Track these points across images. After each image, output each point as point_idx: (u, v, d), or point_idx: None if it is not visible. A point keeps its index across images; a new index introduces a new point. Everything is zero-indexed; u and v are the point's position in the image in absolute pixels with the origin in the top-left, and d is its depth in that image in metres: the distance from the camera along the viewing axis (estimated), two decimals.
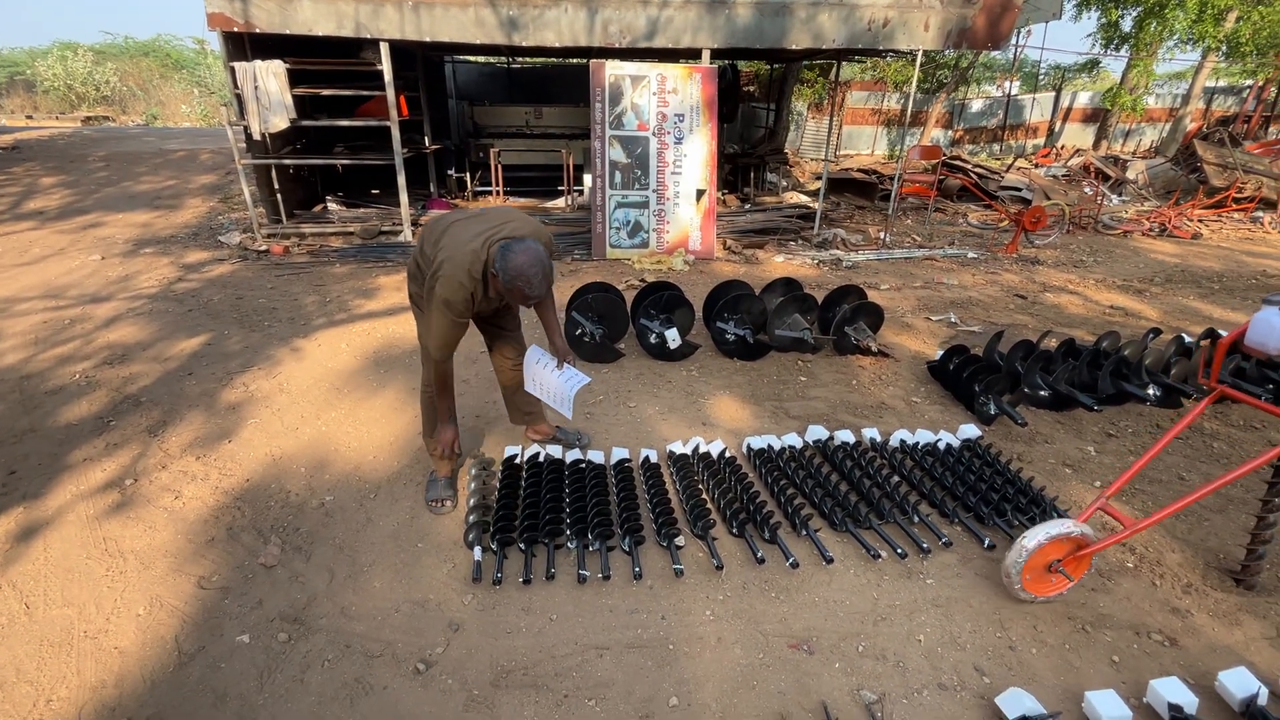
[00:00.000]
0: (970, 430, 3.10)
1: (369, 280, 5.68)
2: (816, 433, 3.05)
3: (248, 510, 2.54)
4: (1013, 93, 18.41)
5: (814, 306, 4.29)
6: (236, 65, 6.11)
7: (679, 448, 2.92)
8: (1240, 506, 2.64)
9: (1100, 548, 2.05)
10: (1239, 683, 1.71)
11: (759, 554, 2.25)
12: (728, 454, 2.87)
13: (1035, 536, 2.02)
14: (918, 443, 3.01)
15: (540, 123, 9.98)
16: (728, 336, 4.00)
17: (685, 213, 6.65)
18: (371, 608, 2.07)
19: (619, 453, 2.85)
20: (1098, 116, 17.70)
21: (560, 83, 11.16)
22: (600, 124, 6.30)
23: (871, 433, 3.10)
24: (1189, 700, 1.67)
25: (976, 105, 18.65)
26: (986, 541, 2.37)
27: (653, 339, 3.94)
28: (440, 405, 2.38)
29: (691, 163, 6.53)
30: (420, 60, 8.73)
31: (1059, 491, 2.77)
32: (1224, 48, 13.43)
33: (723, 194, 10.15)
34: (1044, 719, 1.60)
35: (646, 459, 2.82)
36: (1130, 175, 11.27)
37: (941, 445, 2.98)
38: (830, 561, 2.25)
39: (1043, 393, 3.44)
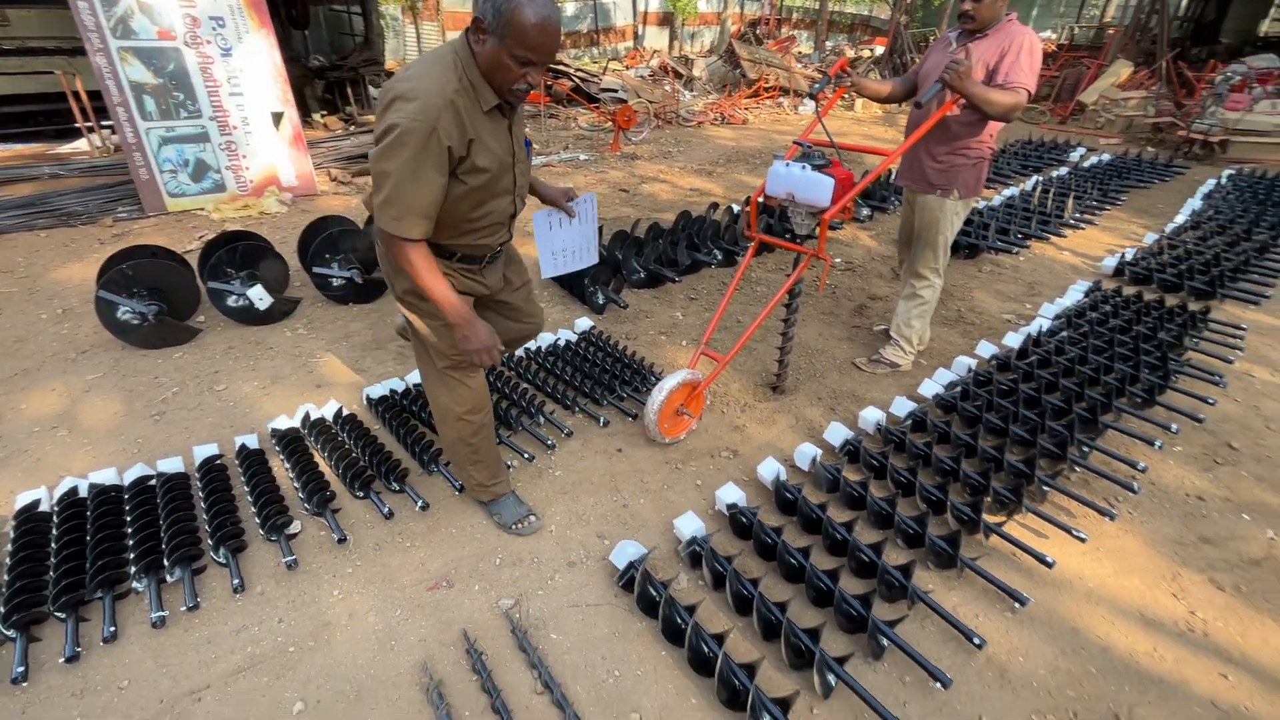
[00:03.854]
0: (584, 323, 3.36)
1: None
2: None
3: None
4: None
5: None
6: None
7: (284, 423, 2.52)
8: (774, 333, 3.43)
9: (708, 383, 2.51)
10: (769, 469, 2.25)
11: (385, 509, 2.11)
12: (344, 413, 2.59)
13: (661, 390, 2.34)
14: (539, 346, 3.14)
15: (10, 33, 7.08)
16: (332, 281, 3.54)
17: (264, 142, 5.56)
18: None
19: (204, 451, 2.33)
20: (668, 20, 20.13)
21: None
22: (96, 32, 4.69)
23: None
24: (739, 496, 2.14)
25: (570, 9, 19.42)
26: (601, 420, 2.64)
27: (232, 302, 3.27)
28: (440, 295, 1.62)
29: (254, 79, 5.38)
30: None
31: (659, 356, 3.22)
32: None
33: (322, 116, 8.84)
34: (643, 559, 1.87)
35: (243, 447, 2.37)
36: (696, 73, 13.22)
37: (561, 343, 3.18)
38: (462, 490, 2.23)
39: (639, 275, 3.90)
